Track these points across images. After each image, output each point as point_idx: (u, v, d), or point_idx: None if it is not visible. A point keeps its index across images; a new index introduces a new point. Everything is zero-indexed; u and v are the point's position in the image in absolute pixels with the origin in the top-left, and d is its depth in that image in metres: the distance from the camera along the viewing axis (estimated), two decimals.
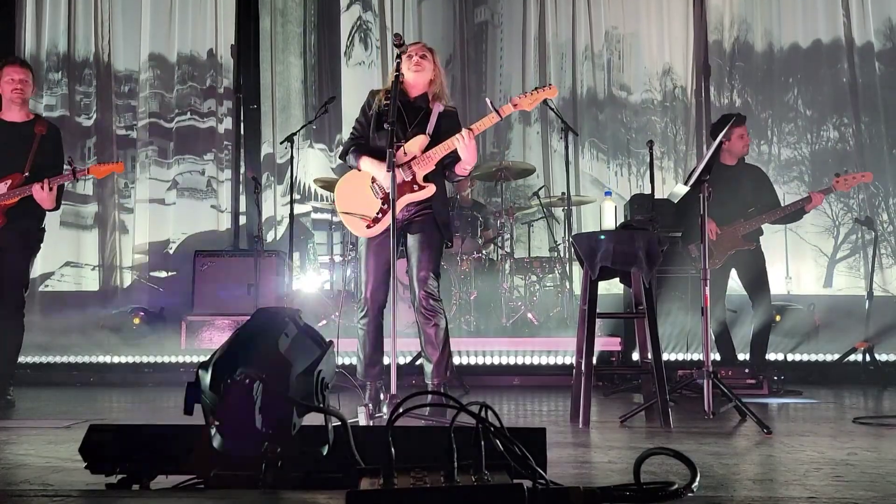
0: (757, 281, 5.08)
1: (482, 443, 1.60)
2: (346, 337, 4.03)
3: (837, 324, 6.12)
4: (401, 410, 1.68)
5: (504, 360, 5.85)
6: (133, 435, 2.00)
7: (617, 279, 4.00)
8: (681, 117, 7.89)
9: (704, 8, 7.70)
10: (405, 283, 4.51)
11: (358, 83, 7.91)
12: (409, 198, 3.72)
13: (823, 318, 6.19)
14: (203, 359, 1.85)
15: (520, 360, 5.85)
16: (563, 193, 6.46)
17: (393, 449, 1.54)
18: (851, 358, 5.80)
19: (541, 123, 7.97)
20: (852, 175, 5.01)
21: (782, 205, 5.18)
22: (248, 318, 2.00)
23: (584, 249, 3.68)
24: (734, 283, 5.28)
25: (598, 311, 3.71)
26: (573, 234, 5.20)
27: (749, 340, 5.19)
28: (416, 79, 3.79)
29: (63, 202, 4.65)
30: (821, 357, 5.98)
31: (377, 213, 3.75)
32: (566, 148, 6.39)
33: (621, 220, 5.71)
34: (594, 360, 3.68)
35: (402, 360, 4.98)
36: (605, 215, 3.97)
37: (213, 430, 1.79)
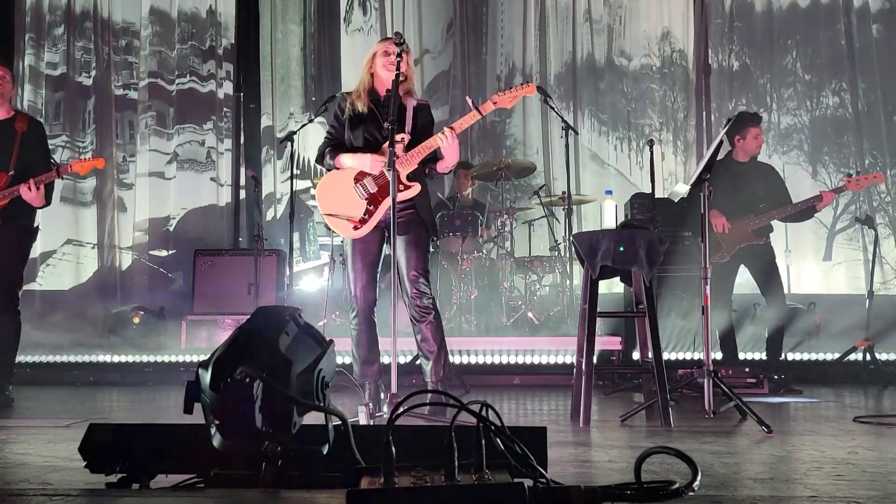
0: (768, 276, 5.09)
1: (483, 442, 1.60)
2: (347, 336, 4.03)
3: (838, 323, 6.12)
4: (401, 409, 1.68)
5: (504, 360, 5.85)
6: (133, 434, 1.99)
7: (617, 278, 4.01)
8: (679, 83, 7.89)
9: None
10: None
11: (357, 52, 7.88)
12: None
13: (824, 318, 6.19)
14: (203, 358, 1.85)
15: (520, 360, 5.84)
16: (563, 192, 6.45)
17: (393, 448, 1.54)
18: (852, 357, 5.80)
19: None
20: (864, 176, 5.11)
21: (793, 202, 5.20)
22: (249, 317, 2.00)
23: (585, 248, 3.67)
24: (737, 283, 5.28)
25: (598, 310, 3.71)
26: (574, 233, 5.20)
27: (752, 339, 5.20)
28: (390, 76, 3.74)
29: (64, 177, 4.64)
30: (821, 356, 5.99)
31: (363, 215, 3.74)
32: (566, 147, 6.38)
33: (622, 218, 5.72)
34: (595, 360, 3.68)
35: (402, 360, 4.97)
36: (606, 214, 3.97)
37: (214, 429, 1.79)
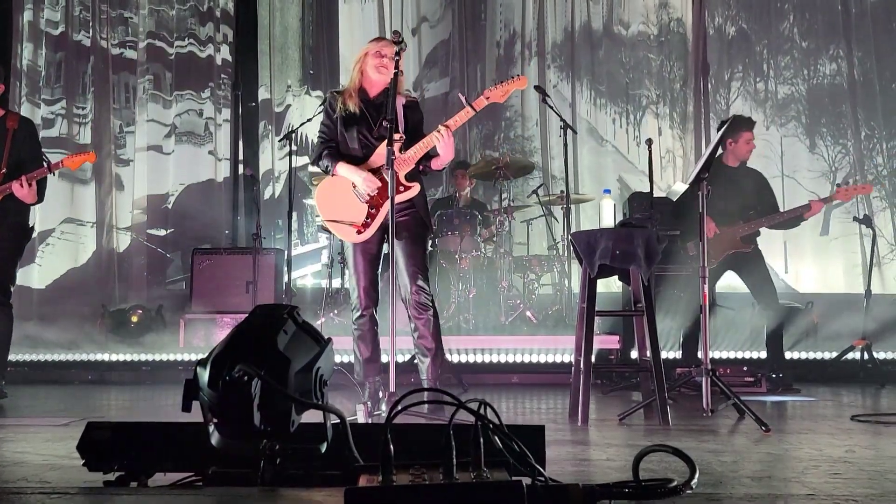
0: (761, 282, 5.09)
1: (481, 440, 1.60)
2: (345, 335, 4.03)
3: (835, 322, 6.13)
4: (400, 408, 1.68)
5: (503, 358, 5.85)
6: (131, 432, 1.99)
7: (616, 277, 4.01)
8: (676, 52, 7.87)
9: None
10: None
11: (353, 23, 7.89)
12: (395, 199, 3.71)
13: (822, 316, 6.20)
14: (201, 356, 1.85)
15: (518, 358, 5.84)
16: (561, 192, 6.45)
17: (392, 446, 1.54)
18: (849, 356, 5.81)
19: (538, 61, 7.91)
20: (853, 186, 5.20)
21: (781, 210, 5.23)
22: (247, 315, 2.00)
23: (583, 247, 3.68)
24: (734, 282, 5.28)
25: (596, 308, 3.71)
26: (572, 232, 5.20)
27: (751, 337, 5.21)
28: (380, 79, 3.76)
29: (56, 173, 4.63)
30: (819, 355, 5.99)
31: (366, 218, 3.75)
32: (565, 146, 6.38)
33: (620, 217, 5.72)
34: (593, 358, 3.69)
35: (400, 359, 4.97)
36: (604, 213, 3.97)
37: (212, 428, 1.79)
